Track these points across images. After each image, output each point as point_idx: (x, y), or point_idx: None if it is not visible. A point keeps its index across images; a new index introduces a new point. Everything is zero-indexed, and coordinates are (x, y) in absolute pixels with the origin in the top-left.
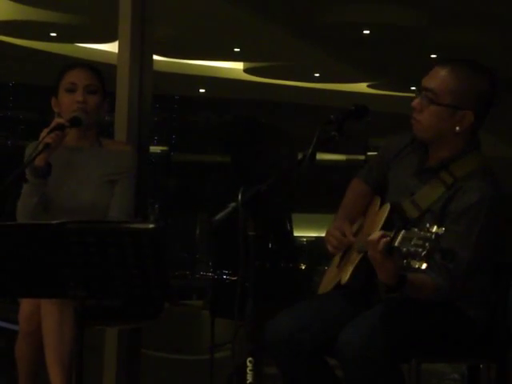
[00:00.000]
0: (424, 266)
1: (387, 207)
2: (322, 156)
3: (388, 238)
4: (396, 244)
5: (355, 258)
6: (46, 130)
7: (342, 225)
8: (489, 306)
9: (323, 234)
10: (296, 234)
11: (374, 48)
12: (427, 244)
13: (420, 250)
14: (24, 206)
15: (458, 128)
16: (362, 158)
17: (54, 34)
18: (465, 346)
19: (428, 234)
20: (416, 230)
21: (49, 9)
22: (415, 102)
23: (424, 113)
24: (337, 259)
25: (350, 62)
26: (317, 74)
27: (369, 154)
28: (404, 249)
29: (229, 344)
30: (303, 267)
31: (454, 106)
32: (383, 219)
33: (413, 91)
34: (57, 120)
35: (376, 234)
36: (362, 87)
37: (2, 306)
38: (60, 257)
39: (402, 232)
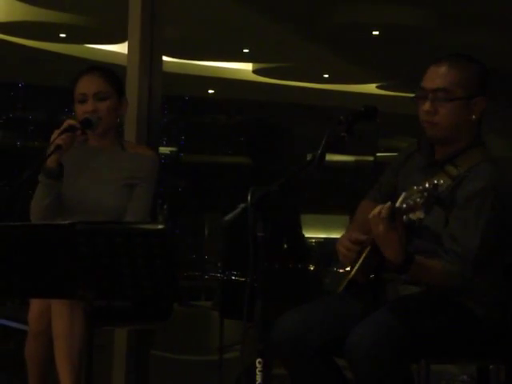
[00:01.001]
0: (422, 215)
1: None
2: (331, 157)
3: (389, 204)
4: (397, 205)
5: (363, 252)
6: (56, 132)
7: (352, 234)
8: (499, 307)
9: (332, 235)
10: (305, 234)
11: (383, 49)
12: (425, 193)
13: (418, 199)
14: (36, 206)
15: (474, 116)
16: (371, 159)
17: (63, 35)
18: (474, 347)
19: (427, 186)
20: (415, 187)
21: (58, 10)
22: (427, 106)
23: (440, 113)
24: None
25: (359, 63)
26: (326, 75)
27: (378, 154)
28: (404, 205)
29: (238, 345)
30: (312, 268)
31: (466, 97)
32: None
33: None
34: (68, 121)
35: (377, 207)
36: (371, 88)
37: (12, 306)
38: (69, 257)
39: (403, 193)
